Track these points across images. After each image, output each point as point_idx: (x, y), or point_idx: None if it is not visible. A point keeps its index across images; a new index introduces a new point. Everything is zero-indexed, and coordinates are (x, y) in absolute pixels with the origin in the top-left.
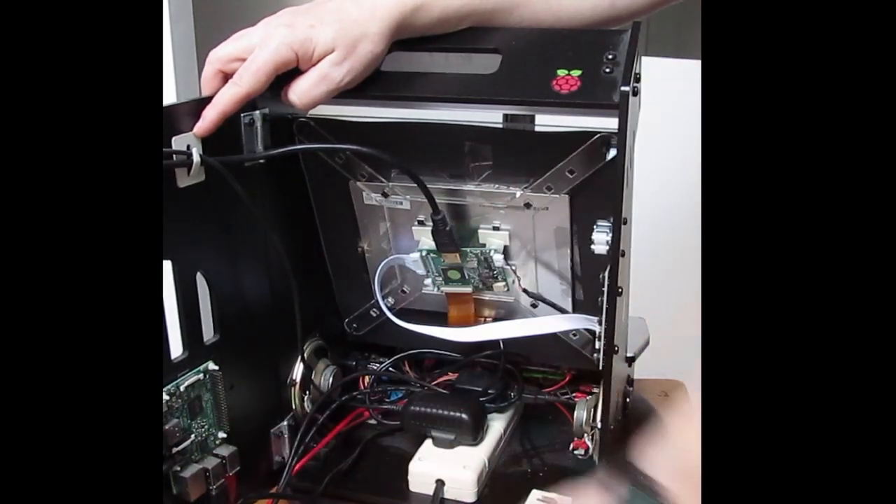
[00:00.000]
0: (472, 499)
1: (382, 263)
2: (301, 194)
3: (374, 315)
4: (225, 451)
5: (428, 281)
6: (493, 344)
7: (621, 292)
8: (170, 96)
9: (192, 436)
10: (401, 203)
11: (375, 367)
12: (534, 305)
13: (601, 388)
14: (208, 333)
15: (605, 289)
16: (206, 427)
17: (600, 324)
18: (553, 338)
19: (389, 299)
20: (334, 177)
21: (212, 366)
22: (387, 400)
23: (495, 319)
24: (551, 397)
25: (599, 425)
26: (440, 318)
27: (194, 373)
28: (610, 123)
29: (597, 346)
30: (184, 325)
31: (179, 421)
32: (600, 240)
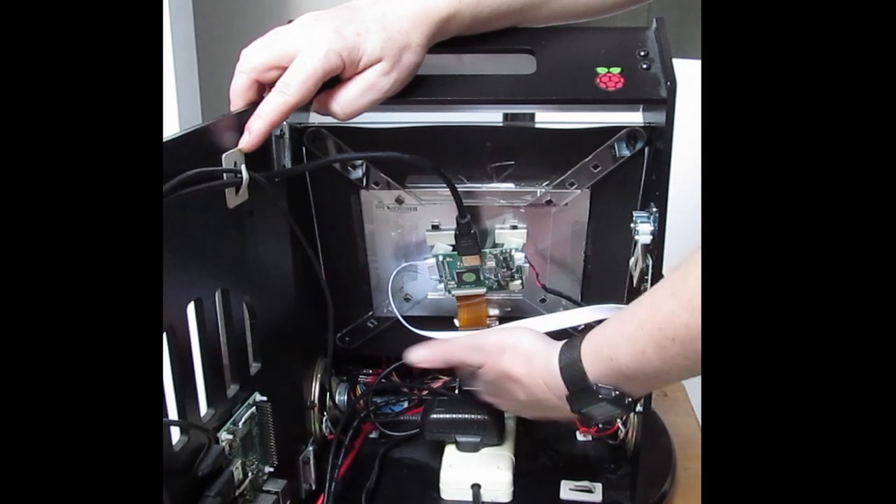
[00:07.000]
0: (508, 498)
1: (395, 271)
2: (296, 208)
3: (372, 326)
4: (275, 486)
5: (440, 286)
6: None
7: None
8: (170, 96)
9: (249, 475)
10: (414, 209)
11: (364, 379)
12: (542, 301)
13: None
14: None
15: (650, 276)
16: (255, 463)
17: None
18: (559, 330)
19: (393, 307)
20: (340, 187)
21: (259, 397)
22: (390, 411)
23: (500, 318)
24: None
25: (639, 409)
26: (445, 323)
27: (245, 406)
28: (617, 118)
29: None
30: (233, 357)
31: (242, 460)
32: (645, 230)
